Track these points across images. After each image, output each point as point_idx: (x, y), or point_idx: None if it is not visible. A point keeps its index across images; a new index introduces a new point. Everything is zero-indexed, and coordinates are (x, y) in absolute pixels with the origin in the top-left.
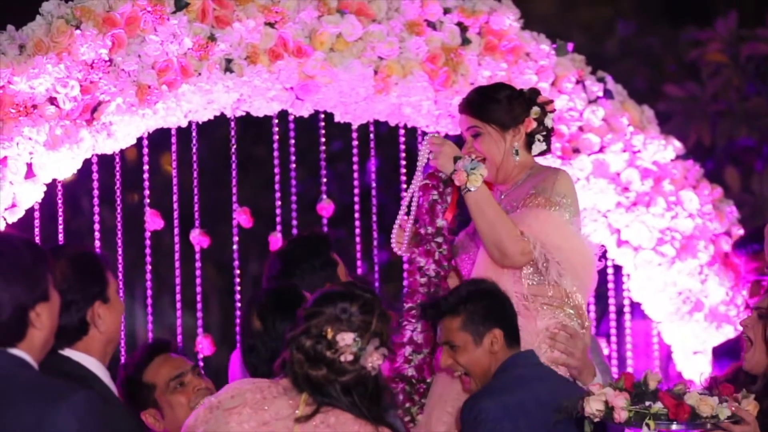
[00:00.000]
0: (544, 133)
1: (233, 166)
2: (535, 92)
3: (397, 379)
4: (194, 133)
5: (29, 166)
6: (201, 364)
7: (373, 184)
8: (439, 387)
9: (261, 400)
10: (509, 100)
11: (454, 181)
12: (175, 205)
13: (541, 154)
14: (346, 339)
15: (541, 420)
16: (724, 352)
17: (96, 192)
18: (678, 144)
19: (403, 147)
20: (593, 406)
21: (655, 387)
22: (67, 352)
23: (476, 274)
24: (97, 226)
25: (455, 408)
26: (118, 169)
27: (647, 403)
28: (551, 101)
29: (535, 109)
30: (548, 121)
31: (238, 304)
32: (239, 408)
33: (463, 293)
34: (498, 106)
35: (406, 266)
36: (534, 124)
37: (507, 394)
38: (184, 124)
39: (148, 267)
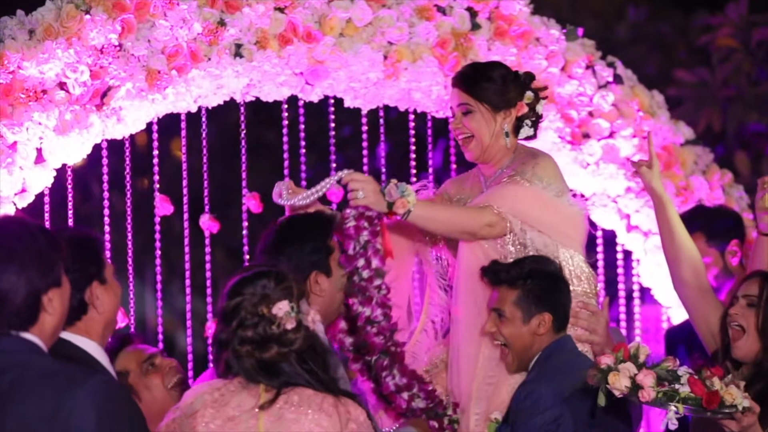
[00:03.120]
0: (534, 118)
1: (243, 151)
2: (530, 77)
3: (421, 418)
4: (204, 119)
5: (39, 151)
6: (211, 349)
7: (383, 170)
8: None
9: (220, 397)
10: (504, 81)
11: (395, 212)
12: (185, 191)
13: (527, 139)
14: (283, 307)
15: (590, 402)
16: (677, 337)
17: (106, 177)
18: (688, 129)
19: (412, 132)
20: (622, 383)
21: (644, 359)
22: (68, 336)
23: (465, 277)
24: (106, 211)
25: (492, 370)
26: (127, 154)
27: (675, 386)
28: (545, 88)
29: (529, 94)
30: (539, 108)
31: None
32: (201, 410)
33: (526, 269)
34: (492, 86)
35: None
36: (525, 109)
37: (561, 378)
38: (193, 109)
39: (158, 252)
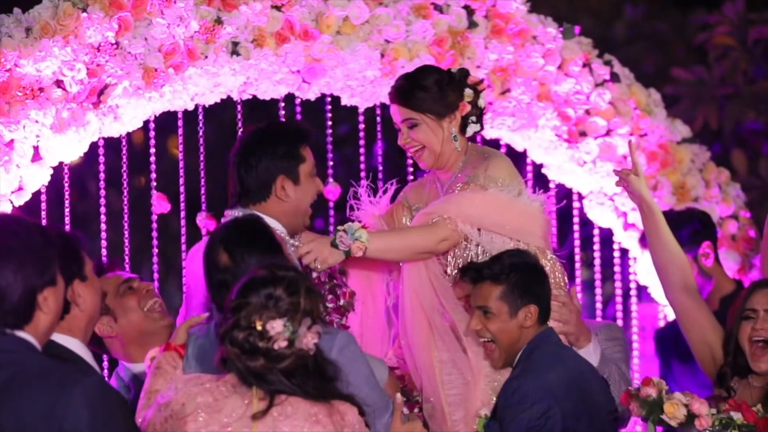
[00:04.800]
0: (478, 113)
1: None
2: (464, 73)
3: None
4: (201, 116)
5: (36, 149)
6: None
7: (380, 168)
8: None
9: (213, 402)
10: (440, 87)
11: (353, 255)
12: (182, 188)
13: (476, 134)
14: (276, 327)
15: (576, 393)
16: (665, 338)
17: (102, 175)
18: (685, 127)
19: None
20: (681, 412)
21: (667, 389)
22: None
23: (410, 292)
24: (103, 209)
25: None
26: (124, 152)
27: (730, 414)
28: (481, 81)
29: (468, 92)
30: (481, 102)
31: None
32: (193, 414)
33: (507, 263)
34: (430, 95)
35: None
36: (468, 107)
37: (547, 372)
38: (190, 107)
39: (155, 250)
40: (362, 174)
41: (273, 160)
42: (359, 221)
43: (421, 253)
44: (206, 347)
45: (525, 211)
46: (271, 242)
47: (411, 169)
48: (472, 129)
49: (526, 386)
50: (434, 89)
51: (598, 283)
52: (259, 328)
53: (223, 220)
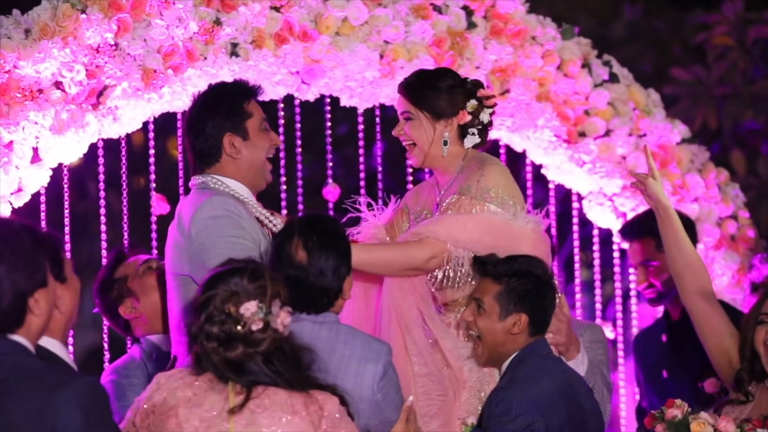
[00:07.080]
0: (480, 127)
1: None
2: (477, 84)
3: None
4: None
5: (35, 150)
6: None
7: (379, 168)
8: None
9: (193, 397)
10: (449, 90)
11: None
12: (181, 190)
13: (475, 147)
14: (250, 308)
15: (563, 406)
16: (639, 344)
17: (102, 176)
18: (684, 127)
19: None
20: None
21: (687, 410)
22: None
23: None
24: (103, 211)
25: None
26: (124, 153)
27: (758, 431)
28: (492, 96)
29: (472, 103)
30: (485, 116)
31: None
32: (174, 409)
33: (514, 267)
34: (434, 94)
35: None
36: (468, 117)
37: (533, 384)
38: None
39: (155, 252)
40: (361, 175)
41: (217, 120)
42: (356, 233)
43: (408, 269)
44: None
45: (518, 234)
46: (348, 246)
47: (410, 170)
48: (471, 141)
49: (511, 398)
50: (441, 90)
51: (597, 283)
52: (233, 312)
53: (190, 183)
